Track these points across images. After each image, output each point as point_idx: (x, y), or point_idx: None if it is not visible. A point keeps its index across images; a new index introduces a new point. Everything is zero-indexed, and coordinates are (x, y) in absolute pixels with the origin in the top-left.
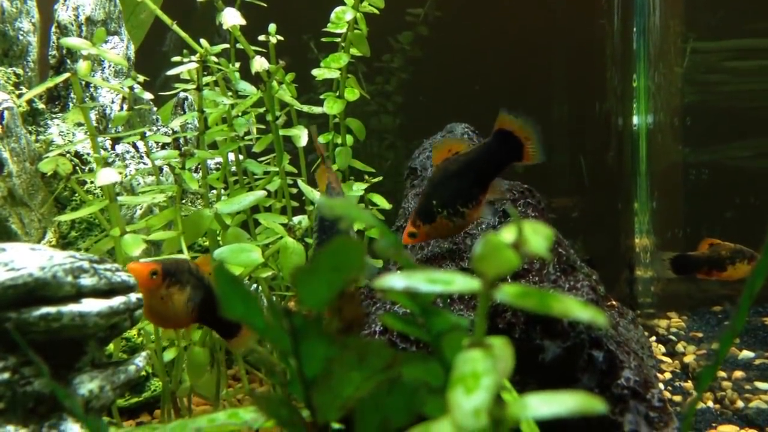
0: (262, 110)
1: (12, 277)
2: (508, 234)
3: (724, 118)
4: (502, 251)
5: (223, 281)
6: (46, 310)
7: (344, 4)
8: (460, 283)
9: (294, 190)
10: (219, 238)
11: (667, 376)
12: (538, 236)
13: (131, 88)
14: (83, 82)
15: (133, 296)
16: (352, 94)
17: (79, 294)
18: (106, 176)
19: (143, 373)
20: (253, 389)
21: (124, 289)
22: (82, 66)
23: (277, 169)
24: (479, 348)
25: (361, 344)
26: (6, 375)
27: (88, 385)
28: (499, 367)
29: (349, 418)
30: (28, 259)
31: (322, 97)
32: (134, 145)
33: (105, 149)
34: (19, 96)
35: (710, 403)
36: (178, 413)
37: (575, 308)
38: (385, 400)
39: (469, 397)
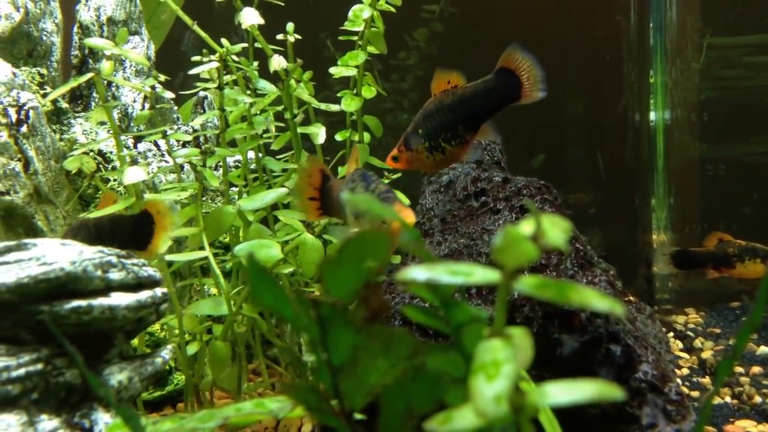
0: (280, 108)
1: (44, 271)
2: (526, 226)
3: (741, 114)
4: (521, 243)
5: (253, 272)
6: (77, 303)
7: (361, 2)
8: (480, 274)
9: None
10: (241, 234)
11: (685, 371)
12: (556, 229)
13: (153, 87)
14: (106, 82)
15: (159, 291)
16: (369, 91)
17: (108, 288)
18: (133, 174)
19: (166, 367)
20: (274, 383)
21: (150, 283)
22: (105, 66)
23: (295, 166)
24: (500, 337)
25: (386, 332)
26: (39, 366)
27: (117, 376)
28: (519, 356)
29: (374, 405)
30: (59, 253)
31: (339, 94)
32: (156, 144)
33: (127, 147)
34: (44, 96)
35: (728, 398)
36: (200, 406)
37: (593, 299)
38: (409, 387)
39: (490, 384)
